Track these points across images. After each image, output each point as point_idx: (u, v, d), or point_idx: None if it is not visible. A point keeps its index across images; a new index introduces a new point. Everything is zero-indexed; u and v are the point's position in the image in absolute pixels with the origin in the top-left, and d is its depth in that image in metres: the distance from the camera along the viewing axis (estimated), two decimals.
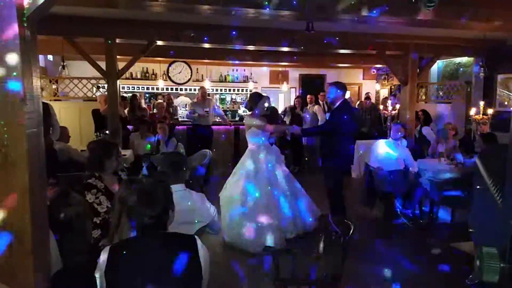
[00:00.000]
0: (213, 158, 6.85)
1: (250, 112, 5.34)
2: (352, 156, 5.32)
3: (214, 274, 1.89)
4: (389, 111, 7.58)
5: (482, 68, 7.72)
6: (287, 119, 8.93)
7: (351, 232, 2.72)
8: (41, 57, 8.23)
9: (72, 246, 2.57)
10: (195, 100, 8.75)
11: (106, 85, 6.82)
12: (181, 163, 2.88)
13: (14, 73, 1.77)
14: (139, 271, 1.68)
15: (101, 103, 6.65)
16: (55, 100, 7.63)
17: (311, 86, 11.65)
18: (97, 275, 1.75)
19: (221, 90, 11.95)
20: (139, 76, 11.20)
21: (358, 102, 10.18)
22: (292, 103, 10.28)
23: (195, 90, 10.94)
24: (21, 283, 1.87)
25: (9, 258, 1.84)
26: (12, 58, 1.77)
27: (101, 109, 6.62)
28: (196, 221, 2.74)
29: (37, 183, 1.94)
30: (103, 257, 1.72)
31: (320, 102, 9.78)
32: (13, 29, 1.74)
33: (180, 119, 9.38)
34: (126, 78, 10.67)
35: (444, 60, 9.58)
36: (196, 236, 1.87)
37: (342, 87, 5.01)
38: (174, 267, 1.71)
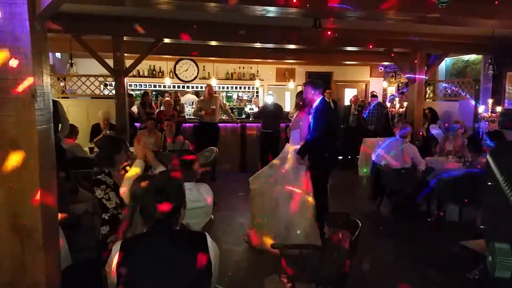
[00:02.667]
0: (219, 156, 6.86)
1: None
2: (336, 157, 5.02)
3: (222, 270, 1.90)
4: (396, 109, 7.54)
5: (490, 66, 7.66)
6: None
7: (358, 230, 2.72)
8: (49, 54, 8.28)
9: (81, 242, 2.60)
10: (201, 97, 8.77)
11: (113, 83, 6.85)
12: (192, 162, 2.89)
13: (25, 70, 1.79)
14: (150, 266, 1.69)
15: (103, 121, 6.71)
16: (63, 97, 7.67)
17: None
18: (107, 269, 1.76)
19: (227, 87, 11.97)
20: (146, 74, 11.24)
21: (360, 101, 10.12)
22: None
23: (201, 87, 10.96)
24: (33, 279, 1.89)
25: (20, 254, 1.86)
26: (23, 56, 1.79)
27: (102, 126, 6.69)
28: (204, 218, 2.76)
29: (47, 179, 1.96)
30: (115, 251, 1.73)
31: (327, 100, 9.75)
32: (25, 27, 1.76)
33: (187, 117, 9.40)
34: (133, 76, 10.70)
35: (452, 57, 9.50)
36: (206, 233, 1.88)
37: (317, 85, 4.83)
38: (184, 263, 1.73)
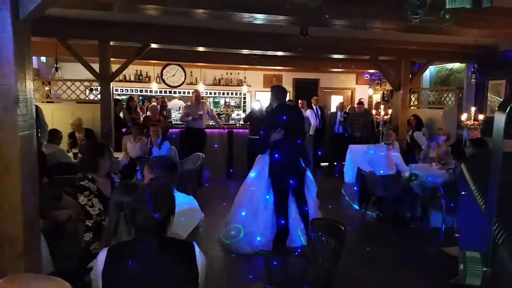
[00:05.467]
0: (206, 162, 6.85)
1: None
2: (298, 166, 4.67)
3: (207, 277, 1.89)
4: (381, 116, 7.64)
5: (473, 74, 7.82)
6: None
7: (343, 236, 2.74)
8: (34, 58, 8.19)
9: (63, 249, 2.56)
10: (189, 103, 8.75)
11: (99, 87, 6.80)
12: (173, 167, 2.88)
13: (8, 76, 1.78)
14: (137, 274, 1.67)
15: (76, 130, 6.65)
16: (47, 102, 7.58)
17: (304, 90, 11.72)
18: (92, 276, 1.74)
19: (215, 93, 11.97)
20: (132, 79, 11.17)
21: (349, 107, 10.25)
22: None
23: (189, 93, 10.94)
24: None
25: (0, 262, 1.84)
26: (6, 60, 1.77)
27: (77, 135, 6.63)
28: (186, 225, 2.75)
29: (29, 186, 1.94)
30: (101, 258, 1.70)
31: (314, 107, 9.84)
32: (7, 32, 1.75)
33: (173, 122, 9.37)
34: (120, 81, 10.63)
35: (436, 65, 9.67)
36: (194, 242, 1.87)
37: (272, 91, 4.84)
38: (171, 273, 1.72)
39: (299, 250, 4.50)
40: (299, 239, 4.79)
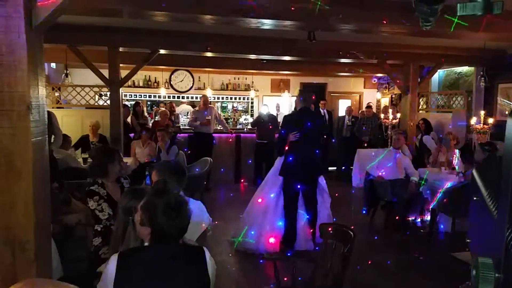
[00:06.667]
0: (213, 166, 6.86)
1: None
2: (310, 171, 4.75)
3: (215, 282, 1.90)
4: (389, 120, 7.60)
5: (482, 78, 7.77)
6: None
7: (351, 241, 2.73)
8: (44, 65, 8.28)
9: (72, 253, 2.57)
10: (197, 108, 8.79)
11: (108, 93, 6.86)
12: (180, 171, 2.89)
13: (21, 83, 1.80)
14: (148, 281, 1.66)
15: (91, 133, 6.71)
16: (57, 107, 7.66)
17: None
18: (102, 283, 1.72)
19: (222, 98, 12.01)
20: (141, 84, 11.25)
21: (360, 111, 10.23)
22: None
23: (197, 98, 10.98)
24: None
25: (12, 266, 1.86)
26: (19, 68, 1.80)
27: (91, 138, 6.69)
28: (194, 230, 2.75)
29: (41, 191, 1.96)
30: (112, 265, 1.68)
31: (321, 110, 9.82)
32: (21, 39, 1.78)
33: (182, 127, 9.41)
34: (128, 86, 10.71)
35: (445, 69, 9.62)
36: (205, 248, 1.87)
37: (300, 94, 5.04)
38: (183, 279, 1.71)
39: (307, 255, 4.49)
40: (307, 244, 4.79)
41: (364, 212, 6.38)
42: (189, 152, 7.54)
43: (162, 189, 1.86)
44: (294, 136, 4.61)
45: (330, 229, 3.02)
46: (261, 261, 4.24)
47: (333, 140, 9.35)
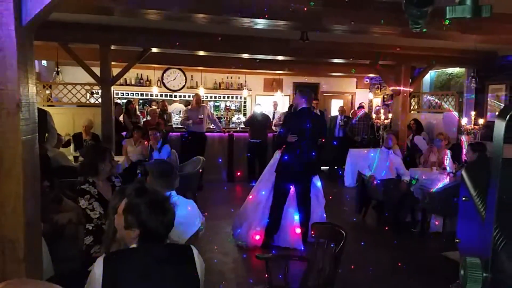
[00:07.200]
0: (206, 165, 6.85)
1: None
2: (304, 171, 4.81)
3: (206, 280, 1.89)
4: (381, 120, 7.65)
5: (473, 79, 7.84)
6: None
7: (343, 240, 2.74)
8: (35, 62, 8.20)
9: (63, 252, 2.55)
10: (189, 107, 8.77)
11: (100, 91, 6.82)
12: (170, 171, 2.88)
13: (10, 80, 1.78)
14: (135, 282, 1.65)
15: (84, 131, 6.68)
16: (48, 105, 7.59)
17: None
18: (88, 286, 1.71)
19: (215, 97, 11.99)
20: (133, 82, 11.20)
21: (351, 111, 10.27)
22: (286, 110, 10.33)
23: (189, 97, 10.96)
24: None
25: (1, 266, 1.83)
26: (9, 65, 1.78)
27: (84, 136, 6.66)
28: (187, 229, 2.75)
29: (31, 190, 1.94)
30: (98, 270, 1.66)
31: (314, 110, 9.84)
32: (11, 37, 1.76)
33: (174, 126, 9.38)
34: (120, 84, 10.65)
35: (436, 70, 9.69)
36: (192, 246, 1.86)
37: (302, 93, 5.03)
38: (171, 279, 1.70)
39: (299, 254, 4.51)
40: (295, 242, 4.83)
41: (356, 211, 6.41)
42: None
43: (141, 188, 1.85)
44: (292, 138, 4.69)
45: (322, 228, 3.03)
46: (253, 260, 4.25)
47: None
